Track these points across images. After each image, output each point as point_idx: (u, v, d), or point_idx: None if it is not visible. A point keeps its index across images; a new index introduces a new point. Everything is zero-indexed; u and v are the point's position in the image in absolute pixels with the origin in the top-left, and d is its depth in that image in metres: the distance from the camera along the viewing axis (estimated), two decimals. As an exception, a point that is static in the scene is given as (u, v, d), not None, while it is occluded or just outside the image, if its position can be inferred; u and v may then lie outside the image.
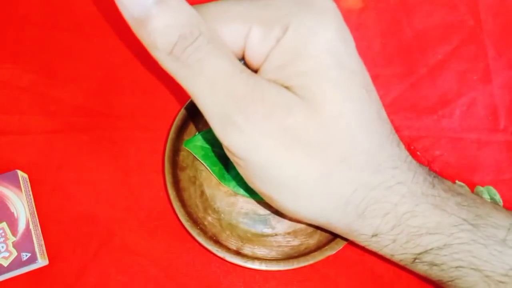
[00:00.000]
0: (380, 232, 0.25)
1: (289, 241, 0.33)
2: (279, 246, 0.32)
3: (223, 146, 0.23)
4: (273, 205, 0.26)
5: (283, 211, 0.26)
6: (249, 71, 0.22)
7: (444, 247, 0.25)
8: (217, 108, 0.21)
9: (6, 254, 0.31)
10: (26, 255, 0.31)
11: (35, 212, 0.33)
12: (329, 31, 0.21)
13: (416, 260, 0.26)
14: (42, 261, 0.31)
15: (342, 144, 0.22)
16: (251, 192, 0.33)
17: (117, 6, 0.20)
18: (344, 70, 0.22)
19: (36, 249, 0.31)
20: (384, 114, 0.24)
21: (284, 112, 0.21)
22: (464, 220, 0.25)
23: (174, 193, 0.32)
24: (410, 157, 0.25)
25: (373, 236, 0.25)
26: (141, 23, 0.20)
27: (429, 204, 0.24)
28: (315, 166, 0.22)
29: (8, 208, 0.32)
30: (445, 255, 0.25)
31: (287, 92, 0.22)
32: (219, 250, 0.31)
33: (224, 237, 0.32)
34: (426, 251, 0.25)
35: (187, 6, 0.20)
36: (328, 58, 0.21)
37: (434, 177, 0.26)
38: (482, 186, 0.35)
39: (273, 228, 0.33)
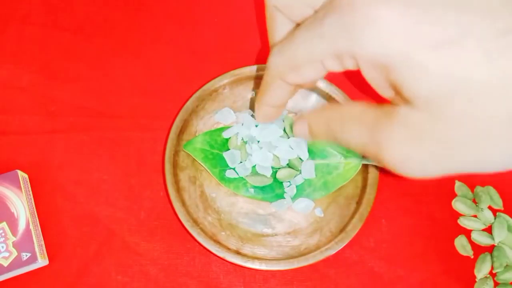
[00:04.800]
0: None
1: (289, 241, 0.33)
2: (279, 246, 0.32)
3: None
4: None
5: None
6: None
7: None
8: None
9: (6, 254, 0.31)
10: (26, 255, 0.31)
11: (35, 212, 0.33)
12: None
13: None
14: (42, 261, 0.31)
15: None
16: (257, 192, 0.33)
17: None
18: None
19: (36, 249, 0.31)
20: None
21: None
22: None
23: (174, 193, 0.32)
24: None
25: None
26: None
27: None
28: None
29: (8, 208, 0.32)
30: None
31: None
32: (219, 250, 0.31)
33: (224, 237, 0.32)
34: None
35: None
36: None
37: None
38: (482, 186, 0.35)
39: (273, 228, 0.33)
